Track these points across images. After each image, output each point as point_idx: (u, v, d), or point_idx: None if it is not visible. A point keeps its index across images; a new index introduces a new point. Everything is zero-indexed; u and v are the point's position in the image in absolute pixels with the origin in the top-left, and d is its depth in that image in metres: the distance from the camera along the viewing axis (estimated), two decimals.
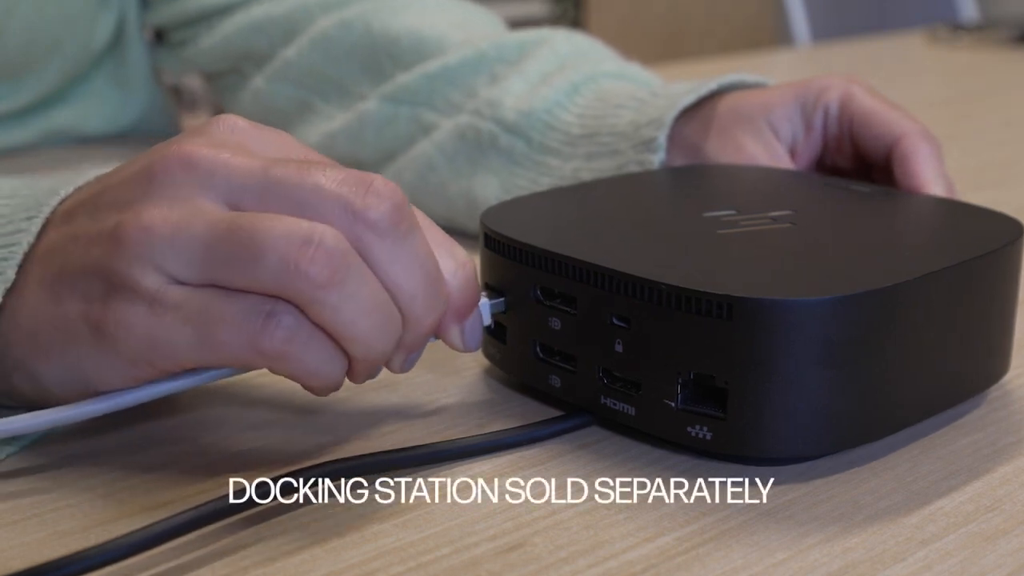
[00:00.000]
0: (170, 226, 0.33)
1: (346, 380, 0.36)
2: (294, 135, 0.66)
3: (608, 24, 2.75)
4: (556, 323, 0.39)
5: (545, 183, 0.55)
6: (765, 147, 0.52)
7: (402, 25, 0.63)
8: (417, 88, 0.60)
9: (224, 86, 0.73)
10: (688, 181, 0.49)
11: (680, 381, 0.36)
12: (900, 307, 0.36)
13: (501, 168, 0.57)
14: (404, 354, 0.37)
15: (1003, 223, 0.41)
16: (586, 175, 0.54)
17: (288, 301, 0.33)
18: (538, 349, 0.40)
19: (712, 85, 0.53)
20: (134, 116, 0.79)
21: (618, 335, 0.37)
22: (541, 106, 0.56)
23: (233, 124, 0.36)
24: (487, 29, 0.64)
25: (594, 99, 0.56)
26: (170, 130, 0.83)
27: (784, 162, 0.52)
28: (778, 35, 1.98)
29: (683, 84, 0.55)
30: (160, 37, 0.77)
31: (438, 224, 0.38)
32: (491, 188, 0.57)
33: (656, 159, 0.51)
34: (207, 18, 0.70)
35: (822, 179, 0.49)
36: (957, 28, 1.37)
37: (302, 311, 0.33)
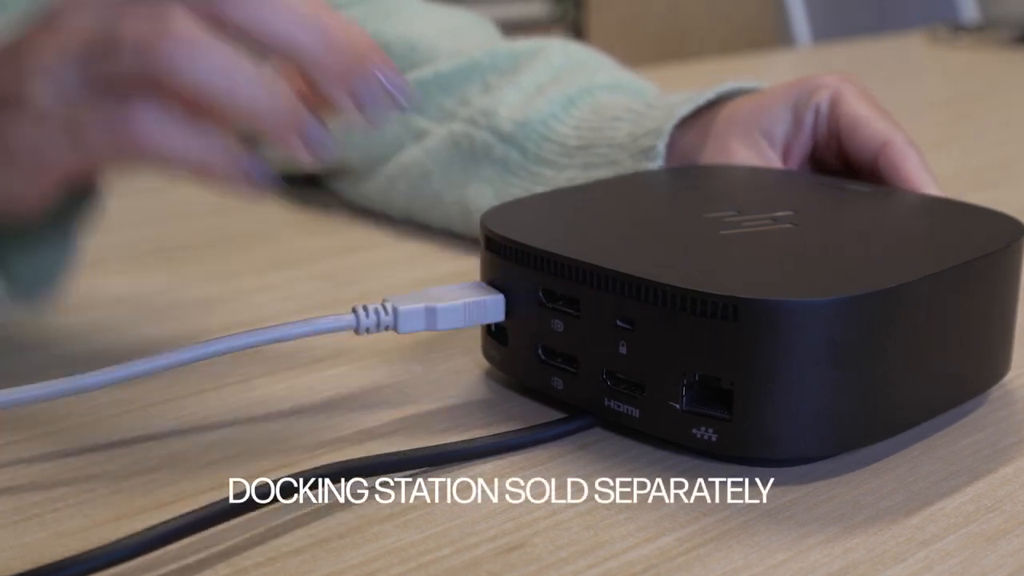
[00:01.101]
0: (54, 43, 0.35)
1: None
2: None
3: (608, 24, 2.74)
4: (559, 325, 0.39)
5: (538, 192, 0.55)
6: (757, 153, 0.52)
7: (393, 31, 0.63)
8: None
9: None
10: (688, 182, 0.49)
11: (685, 383, 0.36)
12: (904, 307, 0.36)
13: (495, 177, 0.57)
14: (290, 122, 0.36)
15: (1004, 223, 0.41)
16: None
17: (152, 90, 0.34)
18: (540, 351, 0.40)
19: (709, 95, 0.54)
20: None
21: (622, 337, 0.37)
22: (536, 117, 0.56)
23: None
24: (478, 36, 0.64)
25: (590, 112, 0.56)
26: None
27: (776, 166, 0.52)
28: (779, 35, 1.98)
29: (679, 95, 0.55)
30: None
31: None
32: (485, 197, 0.57)
33: (653, 167, 0.52)
34: None
35: (821, 179, 0.49)
36: (957, 28, 1.37)
37: (166, 97, 0.35)
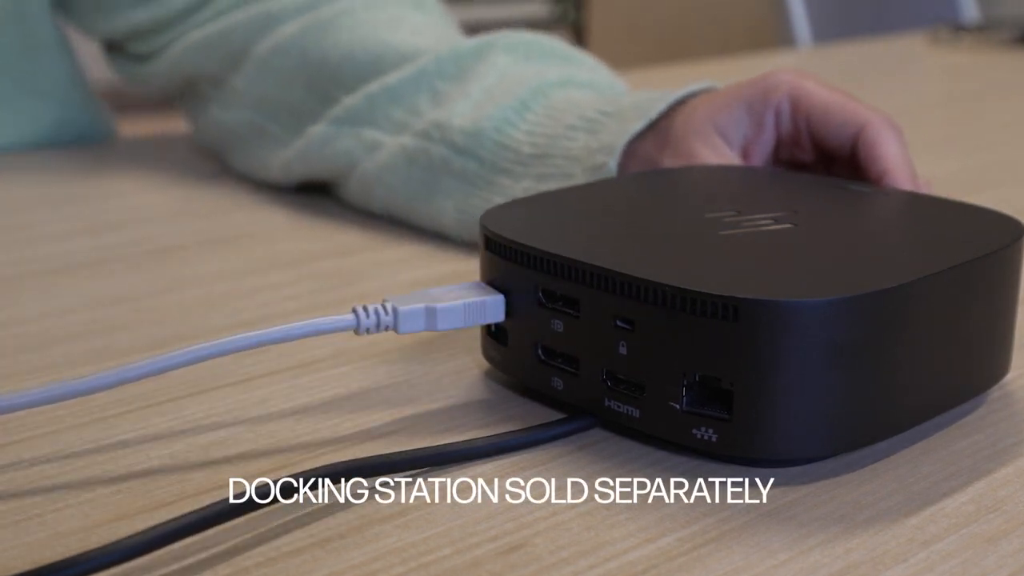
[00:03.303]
0: None
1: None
2: (254, 159, 0.68)
3: (609, 24, 2.75)
4: (559, 325, 0.39)
5: (497, 202, 0.55)
6: (716, 152, 0.52)
7: (335, 46, 0.63)
8: (359, 108, 0.61)
9: (186, 108, 0.74)
10: (688, 182, 0.49)
11: (685, 383, 0.36)
12: (904, 307, 0.36)
13: (455, 190, 0.57)
14: None
15: (1004, 223, 0.41)
16: None
17: None
18: (540, 352, 0.40)
19: (661, 107, 0.54)
20: (49, 123, 0.78)
21: (622, 337, 0.37)
22: (489, 124, 0.56)
23: None
24: (419, 32, 0.64)
25: (544, 116, 0.56)
26: (103, 136, 0.82)
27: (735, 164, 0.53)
28: (779, 36, 1.98)
29: (635, 96, 0.56)
30: (113, 47, 0.76)
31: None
32: (448, 213, 0.58)
33: None
34: (158, 30, 0.71)
35: (821, 179, 0.49)
36: (958, 29, 1.37)
37: None
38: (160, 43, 0.71)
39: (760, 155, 0.53)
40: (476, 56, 0.60)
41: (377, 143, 0.60)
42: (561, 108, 0.56)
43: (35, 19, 0.75)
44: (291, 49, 0.65)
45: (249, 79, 0.67)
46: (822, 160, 0.53)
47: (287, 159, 0.65)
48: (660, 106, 0.54)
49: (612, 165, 0.52)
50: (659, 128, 0.54)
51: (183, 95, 0.74)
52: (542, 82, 0.58)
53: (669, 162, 0.53)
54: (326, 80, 0.64)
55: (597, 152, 0.53)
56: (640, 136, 0.54)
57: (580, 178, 0.53)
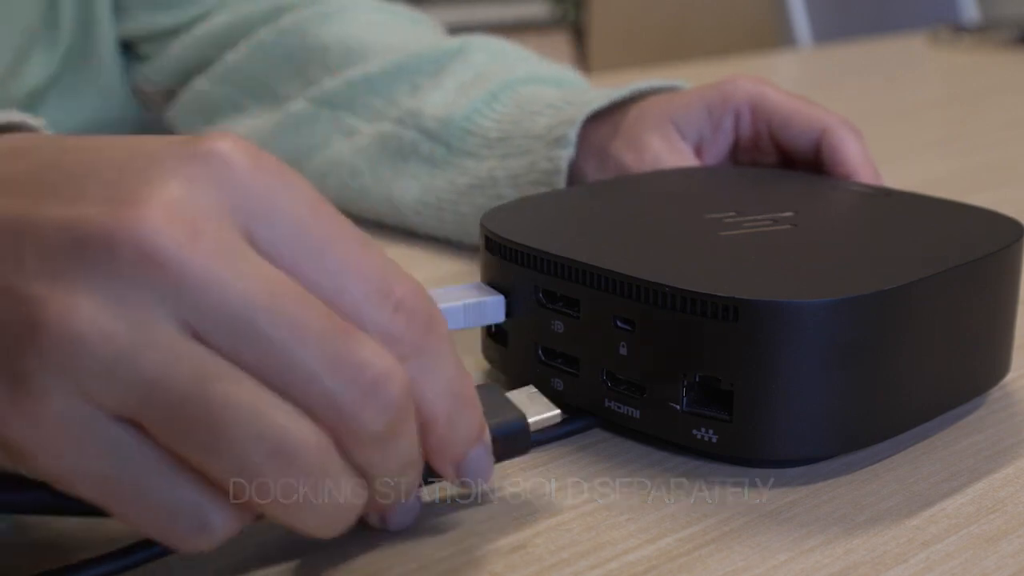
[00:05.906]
0: (113, 349, 0.25)
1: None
2: (219, 127, 0.68)
3: (609, 25, 2.75)
4: (559, 326, 0.39)
5: (461, 183, 0.57)
6: (669, 145, 0.53)
7: (332, 34, 0.66)
8: (339, 93, 0.63)
9: (171, 101, 0.74)
10: (689, 182, 0.49)
11: (685, 384, 0.36)
12: (904, 308, 0.36)
13: (421, 172, 0.59)
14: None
15: (1004, 224, 0.41)
16: (500, 173, 0.56)
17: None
18: (540, 352, 0.40)
19: (623, 92, 0.55)
20: (106, 120, 0.79)
21: (622, 338, 0.37)
22: (460, 113, 0.58)
23: (228, 170, 0.26)
24: (411, 36, 0.66)
25: (513, 106, 0.58)
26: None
27: (689, 159, 0.53)
28: (780, 36, 1.98)
29: (599, 90, 0.57)
30: (128, 48, 0.76)
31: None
32: (411, 192, 0.59)
33: (565, 154, 0.53)
34: (175, 32, 0.71)
35: (822, 179, 0.49)
36: (959, 29, 1.37)
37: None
38: (169, 44, 0.72)
39: (715, 155, 0.55)
40: (454, 54, 0.62)
41: (354, 129, 0.62)
42: (529, 100, 0.58)
43: (102, 22, 0.76)
44: (290, 33, 0.67)
45: (241, 55, 0.68)
46: (784, 162, 0.54)
47: (255, 128, 0.66)
48: (623, 91, 0.55)
49: (572, 135, 0.53)
50: (615, 117, 0.55)
51: (174, 93, 0.74)
52: (512, 77, 0.60)
53: (618, 148, 0.54)
54: (314, 62, 0.65)
55: (556, 127, 0.55)
56: (596, 123, 0.55)
57: (541, 152, 0.55)
